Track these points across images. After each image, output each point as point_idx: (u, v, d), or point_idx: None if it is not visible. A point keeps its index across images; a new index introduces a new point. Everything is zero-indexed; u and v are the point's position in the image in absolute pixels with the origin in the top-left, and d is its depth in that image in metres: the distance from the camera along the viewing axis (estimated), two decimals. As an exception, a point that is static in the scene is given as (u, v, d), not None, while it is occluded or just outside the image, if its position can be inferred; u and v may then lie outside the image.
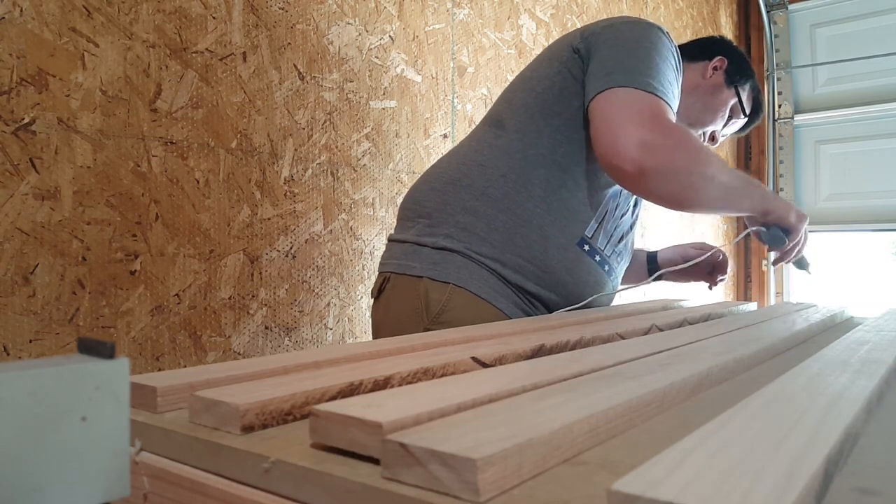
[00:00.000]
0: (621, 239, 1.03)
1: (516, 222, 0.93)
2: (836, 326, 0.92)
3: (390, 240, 1.03)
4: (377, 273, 1.04)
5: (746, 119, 1.19)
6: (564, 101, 0.94)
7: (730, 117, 1.16)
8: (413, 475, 0.28)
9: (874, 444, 0.35)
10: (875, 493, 0.28)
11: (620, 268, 1.05)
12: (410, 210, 1.02)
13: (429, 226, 0.96)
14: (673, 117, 0.87)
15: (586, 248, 0.96)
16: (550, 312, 0.95)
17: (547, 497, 0.28)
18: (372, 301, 1.04)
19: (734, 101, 1.15)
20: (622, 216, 1.02)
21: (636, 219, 1.08)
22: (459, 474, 0.27)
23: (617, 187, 0.99)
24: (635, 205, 1.07)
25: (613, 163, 0.83)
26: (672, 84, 0.91)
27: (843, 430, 0.32)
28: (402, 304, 0.94)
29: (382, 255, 1.04)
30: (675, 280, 1.26)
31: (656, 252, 1.29)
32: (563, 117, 0.94)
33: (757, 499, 0.23)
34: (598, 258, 0.98)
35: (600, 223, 0.98)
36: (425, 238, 0.95)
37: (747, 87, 1.16)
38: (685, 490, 0.23)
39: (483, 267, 0.92)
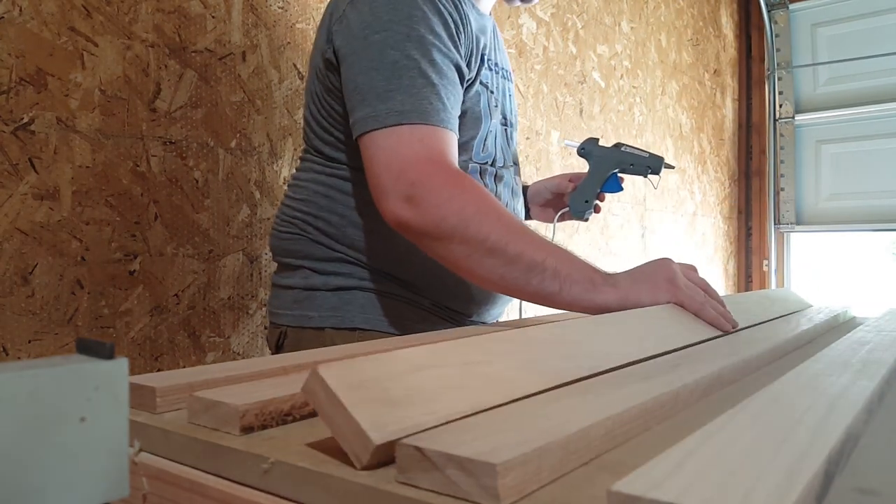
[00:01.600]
0: None
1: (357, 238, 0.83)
2: (839, 327, 0.92)
3: (274, 285, 0.91)
4: (269, 322, 0.92)
5: None
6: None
7: None
8: (430, 480, 0.28)
9: (875, 444, 0.35)
10: (875, 494, 0.28)
11: None
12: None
13: (313, 268, 0.85)
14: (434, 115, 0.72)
15: None
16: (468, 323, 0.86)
17: (566, 500, 0.28)
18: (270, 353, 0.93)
19: None
20: (508, 188, 0.91)
21: (514, 183, 0.95)
22: (478, 479, 0.27)
23: (477, 168, 0.87)
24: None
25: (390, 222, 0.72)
26: (433, 64, 0.73)
27: (844, 431, 0.32)
28: None
29: (270, 302, 0.91)
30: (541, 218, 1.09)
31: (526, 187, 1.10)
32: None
33: (758, 499, 0.23)
34: None
35: None
36: (311, 281, 0.84)
37: None
38: (686, 491, 0.23)
39: (384, 297, 0.83)
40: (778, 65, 2.97)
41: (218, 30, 1.07)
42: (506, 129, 0.93)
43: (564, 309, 0.71)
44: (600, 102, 2.07)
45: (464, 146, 0.84)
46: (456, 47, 0.78)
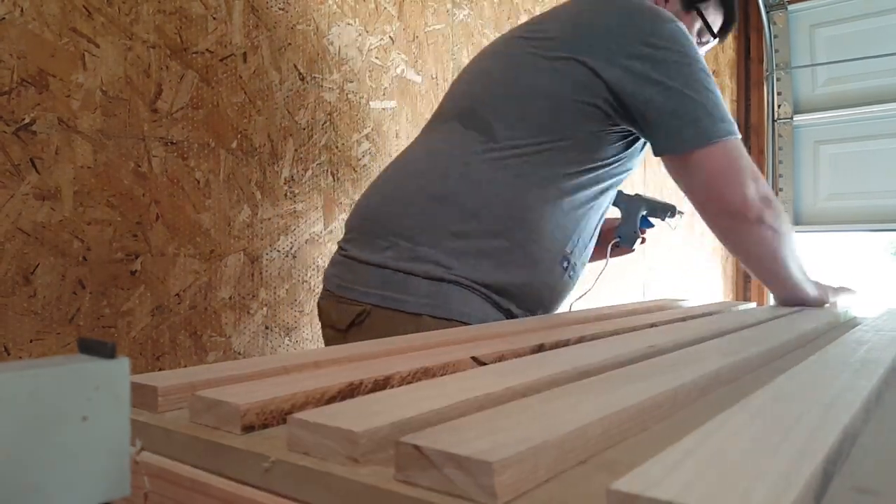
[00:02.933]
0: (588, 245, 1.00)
1: (507, 248, 0.86)
2: (839, 326, 0.92)
3: (352, 258, 0.90)
4: (327, 291, 0.92)
5: (718, 36, 1.08)
6: (577, 122, 0.87)
7: (701, 41, 1.07)
8: (427, 478, 0.28)
9: (873, 443, 0.35)
10: (874, 493, 0.28)
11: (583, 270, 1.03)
12: (380, 226, 0.89)
13: (412, 249, 0.85)
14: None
15: (565, 264, 0.92)
16: None
17: (563, 499, 0.28)
18: (324, 329, 0.93)
19: (699, 23, 1.04)
20: (595, 227, 0.99)
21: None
22: (475, 477, 0.27)
23: (600, 202, 0.96)
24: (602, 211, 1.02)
25: (734, 209, 0.88)
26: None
27: (842, 430, 0.32)
28: None
29: (338, 273, 0.91)
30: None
31: None
32: (571, 139, 0.87)
33: (756, 498, 0.23)
34: (571, 273, 0.94)
35: (580, 238, 0.94)
36: (412, 265, 0.84)
37: (710, 1, 1.04)
38: (684, 490, 0.23)
39: (479, 295, 0.85)
40: (776, 65, 2.97)
41: (219, 31, 1.08)
42: None
43: (789, 295, 1.03)
44: (600, 103, 2.07)
45: (610, 183, 0.97)
46: None
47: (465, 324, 0.82)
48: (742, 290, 3.07)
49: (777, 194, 2.97)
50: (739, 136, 0.90)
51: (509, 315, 0.89)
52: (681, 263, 2.53)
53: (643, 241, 1.18)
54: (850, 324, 0.95)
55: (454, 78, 1.06)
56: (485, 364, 0.54)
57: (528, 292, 0.89)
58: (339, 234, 1.27)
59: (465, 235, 0.85)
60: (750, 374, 0.54)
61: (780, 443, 0.29)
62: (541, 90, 0.88)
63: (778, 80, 2.97)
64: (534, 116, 0.88)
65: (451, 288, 0.83)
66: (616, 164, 0.94)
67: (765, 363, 0.59)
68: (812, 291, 1.02)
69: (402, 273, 0.84)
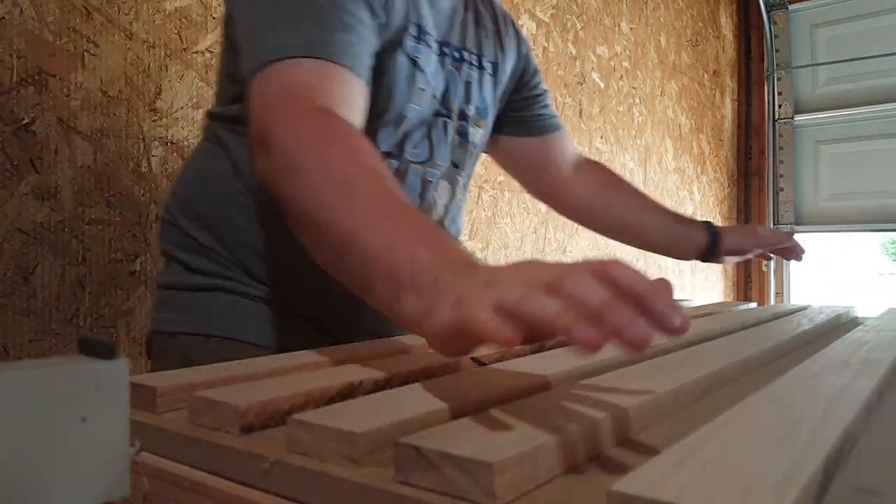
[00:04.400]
0: None
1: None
2: (840, 327, 0.92)
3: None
4: None
5: None
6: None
7: None
8: (427, 479, 0.28)
9: (874, 444, 0.35)
10: (874, 493, 0.28)
11: None
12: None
13: (181, 261, 0.73)
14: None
15: None
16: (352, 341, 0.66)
17: (564, 500, 0.28)
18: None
19: None
20: (413, 192, 0.76)
21: (440, 183, 0.79)
22: (475, 478, 0.27)
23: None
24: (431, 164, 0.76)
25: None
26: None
27: (843, 431, 0.32)
28: (161, 370, 0.66)
29: None
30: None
31: (719, 231, 0.98)
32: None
33: (756, 498, 0.23)
34: None
35: None
36: (177, 278, 0.73)
37: None
38: (685, 491, 0.23)
39: (258, 302, 0.70)
40: (777, 65, 2.97)
41: (219, 31, 1.08)
42: (449, 123, 0.78)
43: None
44: (600, 103, 2.07)
45: (370, 131, 0.68)
46: None
47: (232, 339, 0.69)
48: (743, 290, 3.07)
49: (778, 194, 2.98)
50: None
51: (305, 322, 0.72)
52: (681, 263, 2.53)
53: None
54: (852, 324, 0.95)
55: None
56: (485, 364, 0.54)
57: (303, 284, 0.70)
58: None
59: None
60: (751, 375, 0.54)
61: (781, 443, 0.29)
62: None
63: (778, 79, 2.97)
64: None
65: (215, 296, 0.72)
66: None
67: (766, 363, 0.59)
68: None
69: (169, 290, 0.75)
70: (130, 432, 0.31)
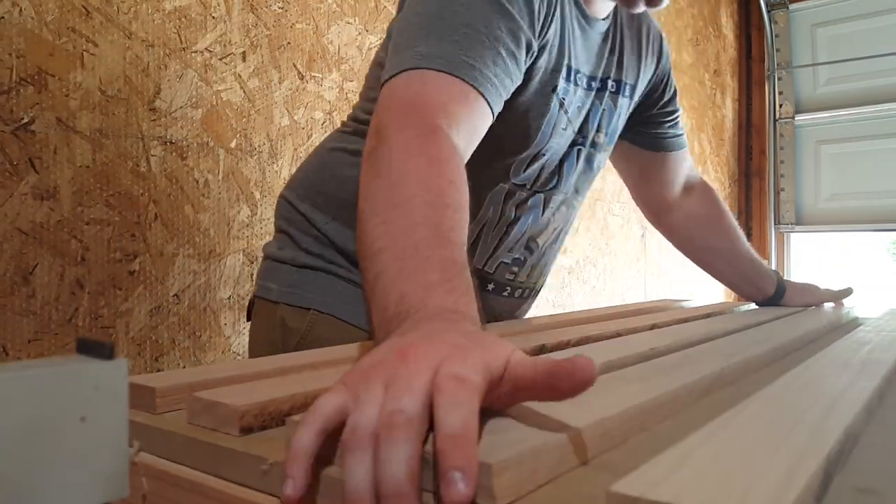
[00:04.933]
0: (517, 243, 0.80)
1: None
2: (841, 327, 0.92)
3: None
4: None
5: None
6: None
7: None
8: (424, 479, 0.28)
9: (874, 444, 0.35)
10: (875, 493, 0.28)
11: (531, 272, 0.84)
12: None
13: (290, 237, 0.80)
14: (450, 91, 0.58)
15: None
16: None
17: (563, 501, 0.28)
18: None
19: None
20: (511, 224, 0.78)
21: (559, 208, 0.82)
22: None
23: (495, 190, 0.76)
24: (547, 200, 0.80)
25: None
26: (472, 24, 0.60)
27: (843, 431, 0.32)
28: (259, 333, 0.80)
29: None
30: None
31: (784, 289, 1.07)
32: None
33: (756, 499, 0.23)
34: (475, 281, 0.73)
35: (476, 240, 0.77)
36: (284, 252, 0.79)
37: None
38: (684, 491, 0.23)
39: (351, 284, 0.76)
40: (778, 65, 2.97)
41: (218, 30, 1.07)
42: (582, 151, 0.81)
43: None
44: (600, 102, 2.07)
45: (499, 156, 0.72)
46: (532, 26, 0.64)
47: (328, 315, 0.75)
48: (742, 289, 3.07)
49: (779, 194, 2.98)
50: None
51: None
52: (682, 263, 2.53)
53: None
54: (852, 324, 0.95)
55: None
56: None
57: None
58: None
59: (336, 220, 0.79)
60: (752, 375, 0.54)
61: (781, 443, 0.29)
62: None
63: (779, 79, 2.97)
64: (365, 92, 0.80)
65: (316, 275, 0.78)
66: None
67: (767, 364, 0.59)
68: None
69: (274, 262, 0.81)
70: (129, 433, 0.31)
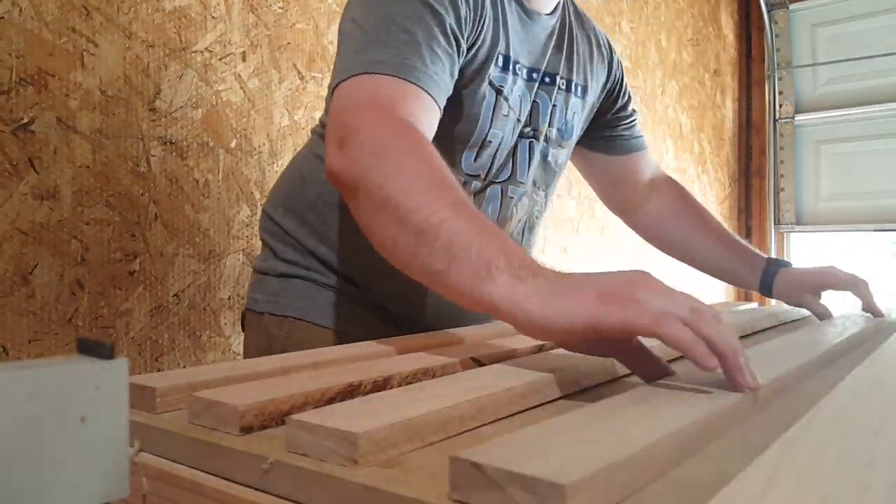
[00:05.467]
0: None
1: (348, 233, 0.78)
2: (885, 329, 0.87)
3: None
4: None
5: None
6: None
7: None
8: (487, 498, 0.26)
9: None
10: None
11: None
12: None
13: (271, 249, 0.84)
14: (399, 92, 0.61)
15: None
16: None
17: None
18: None
19: None
20: (493, 206, 0.81)
21: (521, 201, 0.83)
22: (544, 500, 0.25)
23: (459, 180, 0.75)
24: (508, 182, 0.81)
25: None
26: (405, 25, 0.65)
27: None
28: (250, 344, 0.84)
29: None
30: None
31: (771, 281, 0.96)
32: None
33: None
34: None
35: None
36: (266, 264, 0.83)
37: None
38: None
39: (325, 288, 0.79)
40: (778, 65, 2.97)
41: (218, 30, 1.07)
42: (535, 144, 0.82)
43: (453, 300, 0.49)
44: (600, 102, 2.07)
45: (445, 148, 0.71)
46: (459, 21, 0.69)
47: (303, 321, 0.78)
48: (744, 290, 3.06)
49: (779, 194, 2.98)
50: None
51: (374, 313, 0.80)
52: (681, 264, 2.53)
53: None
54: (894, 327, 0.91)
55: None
56: (485, 365, 0.54)
57: (370, 277, 0.80)
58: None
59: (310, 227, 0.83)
60: (812, 381, 0.51)
61: (870, 455, 0.28)
62: None
63: (779, 79, 2.97)
64: None
65: (294, 283, 0.82)
66: None
67: (822, 367, 0.57)
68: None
69: (260, 274, 0.85)
70: (130, 433, 0.30)
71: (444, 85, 0.67)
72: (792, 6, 2.93)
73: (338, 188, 0.60)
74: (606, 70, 0.92)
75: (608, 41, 0.94)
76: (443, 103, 0.67)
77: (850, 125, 2.84)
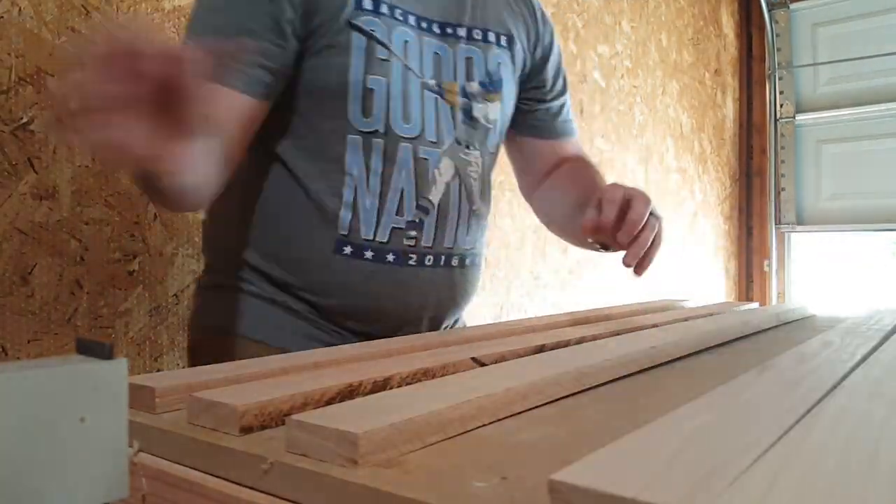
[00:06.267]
0: (403, 204, 0.74)
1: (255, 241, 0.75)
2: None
3: None
4: None
5: None
6: None
7: None
8: None
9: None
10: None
11: (436, 235, 0.77)
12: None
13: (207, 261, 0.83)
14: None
15: (347, 250, 0.72)
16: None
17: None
18: None
19: None
20: (384, 182, 0.73)
21: (441, 161, 0.77)
22: None
23: (349, 144, 0.72)
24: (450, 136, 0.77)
25: None
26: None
27: None
28: (193, 364, 0.81)
29: None
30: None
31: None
32: None
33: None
34: (370, 255, 0.73)
35: (353, 207, 0.72)
36: (204, 277, 0.82)
37: None
38: None
39: (254, 297, 0.75)
40: (779, 64, 2.97)
41: (218, 29, 1.07)
42: (441, 100, 0.77)
43: None
44: (601, 102, 2.07)
45: (330, 108, 0.71)
46: None
47: (226, 334, 0.76)
48: (745, 290, 3.06)
49: (779, 194, 2.98)
50: None
51: (311, 320, 0.76)
52: (682, 263, 2.53)
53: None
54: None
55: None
56: (485, 365, 0.54)
57: (318, 293, 0.76)
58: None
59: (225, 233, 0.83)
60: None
61: (873, 462, 0.28)
62: None
63: (780, 79, 2.97)
64: None
65: (216, 293, 0.81)
66: None
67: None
68: None
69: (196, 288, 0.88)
70: (129, 433, 0.30)
71: (257, 66, 0.67)
72: (793, 6, 2.93)
73: None
74: (532, 30, 0.87)
75: (542, 11, 0.90)
76: (257, 85, 0.67)
77: (851, 125, 2.83)
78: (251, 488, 0.33)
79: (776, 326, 0.92)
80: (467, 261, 0.82)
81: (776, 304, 1.07)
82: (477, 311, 1.66)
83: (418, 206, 0.75)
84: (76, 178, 0.91)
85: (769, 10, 2.95)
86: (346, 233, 0.72)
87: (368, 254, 0.73)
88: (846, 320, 0.87)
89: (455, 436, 0.36)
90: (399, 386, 0.46)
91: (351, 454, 0.31)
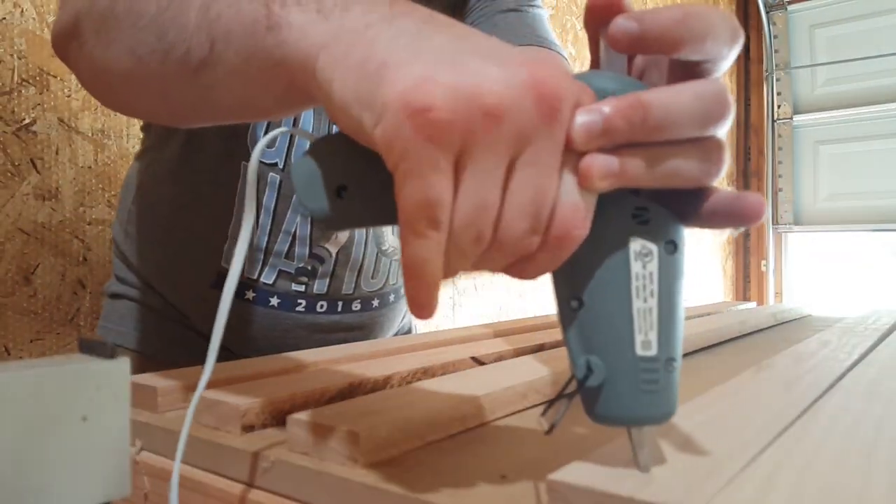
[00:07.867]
0: (293, 248, 0.63)
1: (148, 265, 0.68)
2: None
3: None
4: None
5: None
6: None
7: None
8: None
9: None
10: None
11: (331, 283, 0.66)
12: None
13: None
14: None
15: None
16: None
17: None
18: None
19: None
20: (271, 217, 0.63)
21: None
22: None
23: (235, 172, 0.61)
24: None
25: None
26: None
27: None
28: None
29: None
30: None
31: None
32: None
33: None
34: (251, 295, 0.63)
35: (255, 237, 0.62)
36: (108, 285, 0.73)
37: None
38: None
39: (129, 301, 0.68)
40: (776, 65, 2.97)
41: (218, 30, 1.08)
42: None
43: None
44: (600, 103, 2.08)
45: (232, 125, 0.57)
46: None
47: (125, 349, 0.66)
48: (742, 289, 3.07)
49: (777, 194, 2.98)
50: None
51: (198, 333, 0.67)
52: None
53: None
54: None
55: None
56: (485, 364, 0.54)
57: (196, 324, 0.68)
58: (339, 234, 1.27)
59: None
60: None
61: (870, 453, 0.28)
62: None
63: (777, 80, 2.97)
64: None
65: (119, 304, 0.71)
66: None
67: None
68: None
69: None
70: (132, 432, 0.31)
71: None
72: (790, 7, 2.94)
73: (59, 51, 0.46)
74: None
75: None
76: None
77: (849, 126, 2.84)
78: (253, 486, 0.33)
79: (773, 326, 0.92)
80: (375, 302, 0.71)
81: (773, 304, 1.07)
82: (477, 311, 1.66)
83: (311, 255, 0.64)
84: (78, 179, 0.91)
85: (767, 12, 2.95)
86: (228, 267, 0.61)
87: (250, 294, 0.63)
88: (843, 320, 0.87)
89: (455, 434, 0.37)
90: (399, 385, 0.46)
91: (352, 453, 0.31)
